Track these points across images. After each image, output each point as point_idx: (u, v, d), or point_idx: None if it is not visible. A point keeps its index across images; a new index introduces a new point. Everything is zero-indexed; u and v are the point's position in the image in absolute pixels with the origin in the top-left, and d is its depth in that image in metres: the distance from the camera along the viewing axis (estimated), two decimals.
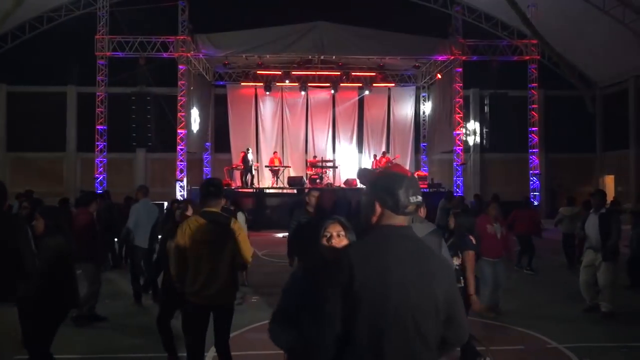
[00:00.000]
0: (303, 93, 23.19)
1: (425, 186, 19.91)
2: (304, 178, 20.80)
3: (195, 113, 20.50)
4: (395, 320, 1.93)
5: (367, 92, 23.41)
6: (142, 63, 19.18)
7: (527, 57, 20.40)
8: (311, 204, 6.37)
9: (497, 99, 19.91)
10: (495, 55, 20.01)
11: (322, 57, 21.19)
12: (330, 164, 21.97)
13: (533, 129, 20.93)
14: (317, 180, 20.27)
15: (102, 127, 19.93)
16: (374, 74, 22.86)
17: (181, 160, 19.60)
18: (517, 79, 20.58)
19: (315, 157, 22.24)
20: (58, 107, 22.86)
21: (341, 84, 22.79)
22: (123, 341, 6.31)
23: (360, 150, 24.13)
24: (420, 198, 2.12)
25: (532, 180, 20.97)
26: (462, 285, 4.97)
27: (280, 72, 22.37)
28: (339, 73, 22.60)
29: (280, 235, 14.75)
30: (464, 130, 20.72)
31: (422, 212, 4.23)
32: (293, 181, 20.03)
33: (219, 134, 23.86)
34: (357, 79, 23.01)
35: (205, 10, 20.33)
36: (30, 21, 21.99)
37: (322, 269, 2.13)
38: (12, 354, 4.13)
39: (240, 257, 4.29)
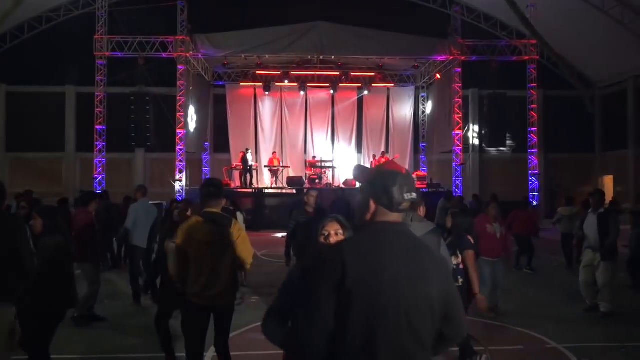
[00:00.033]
0: (302, 93, 23.19)
1: (425, 186, 19.92)
2: (304, 178, 20.80)
3: (191, 111, 20.46)
4: (388, 318, 1.90)
5: (366, 92, 23.41)
6: (141, 63, 19.16)
7: (526, 57, 20.42)
8: (310, 204, 6.37)
9: (496, 99, 19.94)
10: (495, 56, 20.02)
11: (321, 57, 21.20)
12: (330, 164, 21.96)
13: (532, 129, 20.94)
14: (316, 181, 20.27)
15: (101, 127, 19.93)
16: (373, 74, 22.87)
17: (180, 161, 19.60)
18: (516, 79, 20.60)
19: (314, 157, 22.23)
20: (57, 107, 22.83)
21: (340, 84, 22.79)
22: (122, 341, 6.31)
23: (359, 150, 24.13)
24: (414, 195, 2.10)
25: (531, 181, 20.98)
26: (460, 284, 4.96)
27: (279, 72, 22.37)
28: (338, 73, 22.60)
29: (280, 235, 14.75)
30: (463, 131, 20.71)
31: (422, 211, 4.22)
32: (292, 181, 20.03)
33: (218, 134, 23.85)
34: (356, 79, 23.01)
35: (204, 10, 20.33)
36: (30, 21, 21.95)
37: (315, 265, 2.12)
38: (10, 354, 4.12)
39: (240, 259, 4.28)
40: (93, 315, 6.99)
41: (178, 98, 19.44)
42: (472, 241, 5.33)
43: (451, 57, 19.94)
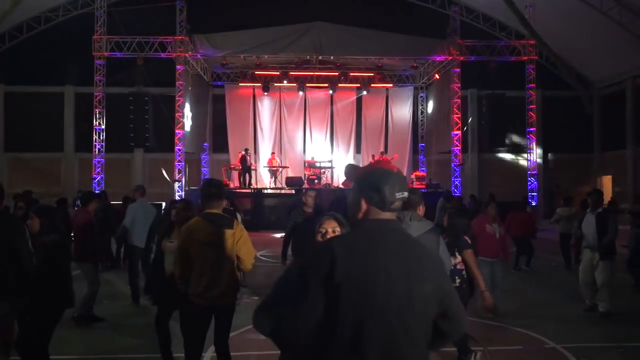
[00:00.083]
0: (301, 93, 23.19)
1: (424, 186, 19.92)
2: (303, 178, 20.80)
3: (187, 109, 20.38)
4: (378, 314, 1.89)
5: (365, 93, 23.41)
6: (140, 63, 19.17)
7: (525, 58, 20.44)
8: (308, 205, 6.36)
9: (495, 99, 19.95)
10: (493, 56, 20.04)
11: (320, 58, 21.21)
12: (328, 164, 21.96)
13: (531, 129, 20.97)
14: (315, 181, 20.26)
15: (99, 127, 19.92)
16: (372, 74, 22.88)
17: (179, 161, 19.59)
18: (515, 80, 20.62)
19: (313, 157, 22.23)
20: (56, 107, 22.83)
21: (339, 84, 22.80)
22: (122, 342, 6.30)
23: (358, 150, 24.12)
24: (406, 194, 2.09)
25: (530, 181, 21.01)
26: (457, 285, 4.96)
27: (278, 73, 22.36)
28: (337, 73, 22.61)
29: (279, 235, 14.74)
30: (461, 131, 20.72)
31: (421, 210, 4.22)
32: (291, 181, 20.02)
33: (217, 134, 23.84)
34: (355, 80, 23.02)
35: (203, 10, 20.34)
36: (28, 21, 21.94)
37: (306, 260, 2.11)
38: (8, 354, 4.11)
39: (240, 261, 4.27)
40: (92, 316, 6.98)
41: (177, 98, 19.43)
42: (469, 241, 5.32)
43: (450, 58, 19.95)
